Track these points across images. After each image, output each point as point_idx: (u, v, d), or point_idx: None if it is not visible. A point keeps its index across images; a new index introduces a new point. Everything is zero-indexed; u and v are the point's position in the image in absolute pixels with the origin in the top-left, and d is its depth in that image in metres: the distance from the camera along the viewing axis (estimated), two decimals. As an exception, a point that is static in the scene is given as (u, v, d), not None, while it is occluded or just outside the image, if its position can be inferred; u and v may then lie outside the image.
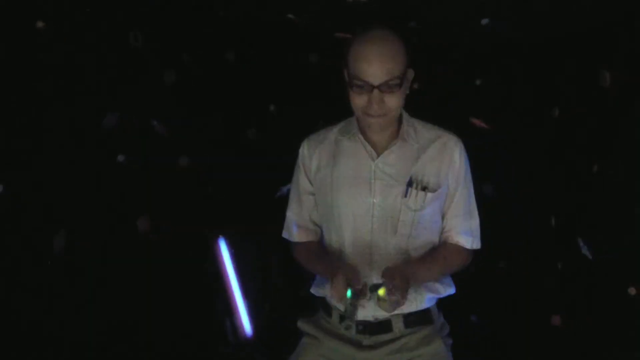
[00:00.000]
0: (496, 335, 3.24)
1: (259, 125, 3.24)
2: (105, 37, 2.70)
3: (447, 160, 2.01)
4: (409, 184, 1.96)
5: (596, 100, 2.78)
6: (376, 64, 1.83)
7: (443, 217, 2.06)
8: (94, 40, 2.65)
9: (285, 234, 2.21)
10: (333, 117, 2.15)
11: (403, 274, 1.82)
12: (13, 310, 2.46)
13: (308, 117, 2.55)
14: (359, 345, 2.01)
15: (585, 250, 2.76)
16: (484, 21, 2.98)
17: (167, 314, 2.87)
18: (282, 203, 2.24)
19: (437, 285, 2.04)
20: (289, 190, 2.23)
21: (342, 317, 1.96)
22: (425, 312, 2.04)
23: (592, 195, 2.78)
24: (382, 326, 1.99)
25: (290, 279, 3.40)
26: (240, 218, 3.24)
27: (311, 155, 2.09)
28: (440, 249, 2.05)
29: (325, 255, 2.07)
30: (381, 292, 1.79)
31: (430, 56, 2.98)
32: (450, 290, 2.08)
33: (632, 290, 2.59)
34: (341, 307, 1.92)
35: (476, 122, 3.13)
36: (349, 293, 1.76)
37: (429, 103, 2.30)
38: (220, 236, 3.31)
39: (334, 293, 1.80)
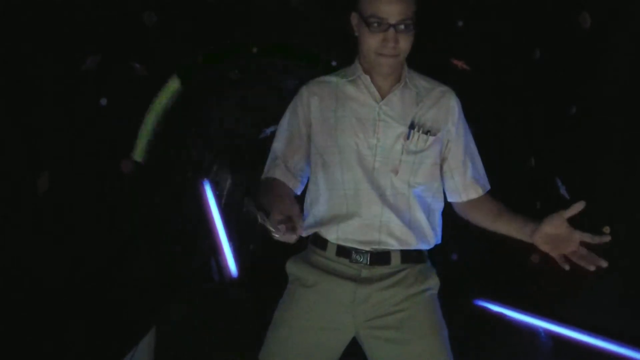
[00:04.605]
0: (476, 274, 3.31)
1: (242, 66, 3.23)
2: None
3: (445, 108, 2.08)
4: (411, 126, 2.02)
5: (577, 42, 2.78)
6: (394, 2, 1.90)
7: (443, 165, 2.12)
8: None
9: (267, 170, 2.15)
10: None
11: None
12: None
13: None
14: (357, 279, 2.02)
15: (563, 190, 2.81)
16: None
17: (152, 252, 2.91)
18: (267, 145, 2.23)
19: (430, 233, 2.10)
20: (272, 132, 2.23)
21: (341, 249, 2.01)
22: (420, 252, 2.10)
23: (571, 135, 2.81)
24: (381, 257, 2.03)
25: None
26: (226, 161, 3.26)
27: (311, 99, 2.10)
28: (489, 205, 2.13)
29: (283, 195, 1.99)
30: None
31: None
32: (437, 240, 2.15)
33: (606, 229, 2.64)
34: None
35: (458, 63, 3.14)
36: None
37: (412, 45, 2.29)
38: (205, 179, 3.34)
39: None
